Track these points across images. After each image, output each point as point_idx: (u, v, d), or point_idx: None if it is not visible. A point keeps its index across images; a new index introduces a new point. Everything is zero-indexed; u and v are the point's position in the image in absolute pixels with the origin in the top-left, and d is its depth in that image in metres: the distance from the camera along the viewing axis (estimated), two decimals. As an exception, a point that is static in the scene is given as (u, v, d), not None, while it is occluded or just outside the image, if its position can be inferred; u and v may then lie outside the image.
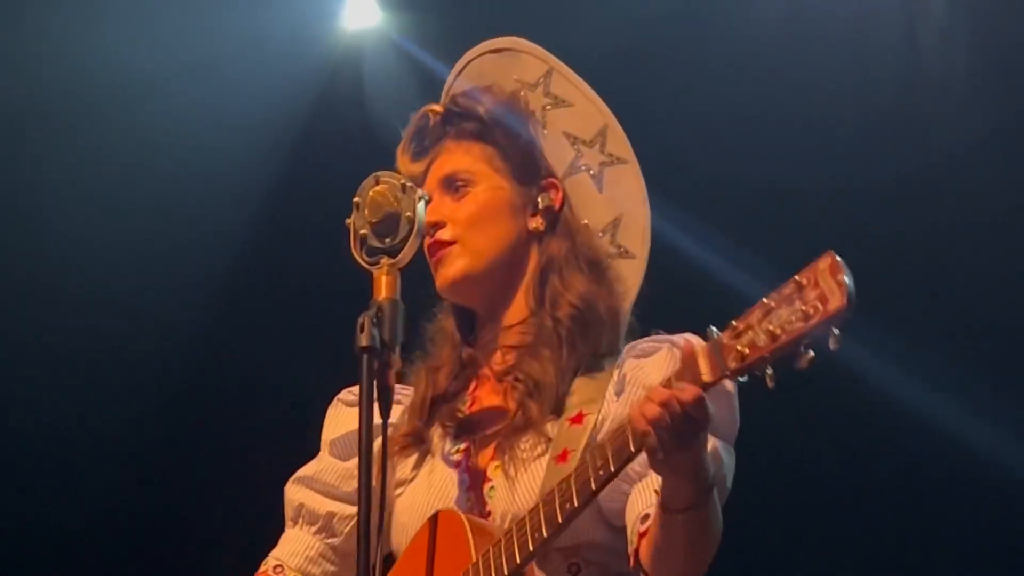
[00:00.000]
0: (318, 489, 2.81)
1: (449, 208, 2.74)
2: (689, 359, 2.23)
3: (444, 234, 2.72)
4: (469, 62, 2.90)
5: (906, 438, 5.00)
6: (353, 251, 2.47)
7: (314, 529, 2.81)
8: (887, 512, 5.10)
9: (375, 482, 2.29)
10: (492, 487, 2.62)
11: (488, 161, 2.76)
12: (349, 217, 2.49)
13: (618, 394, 2.59)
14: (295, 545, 2.83)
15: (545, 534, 2.40)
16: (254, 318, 5.64)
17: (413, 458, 2.72)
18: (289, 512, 2.86)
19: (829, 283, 2.06)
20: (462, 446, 2.68)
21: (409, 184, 2.48)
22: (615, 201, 2.77)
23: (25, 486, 5.62)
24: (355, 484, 2.57)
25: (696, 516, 2.32)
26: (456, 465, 2.67)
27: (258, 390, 5.67)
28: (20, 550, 5.70)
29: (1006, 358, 4.97)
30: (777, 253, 4.79)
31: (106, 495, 5.69)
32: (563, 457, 2.53)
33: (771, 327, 2.10)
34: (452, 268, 2.71)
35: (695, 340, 2.32)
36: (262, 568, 2.83)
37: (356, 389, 2.38)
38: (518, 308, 2.72)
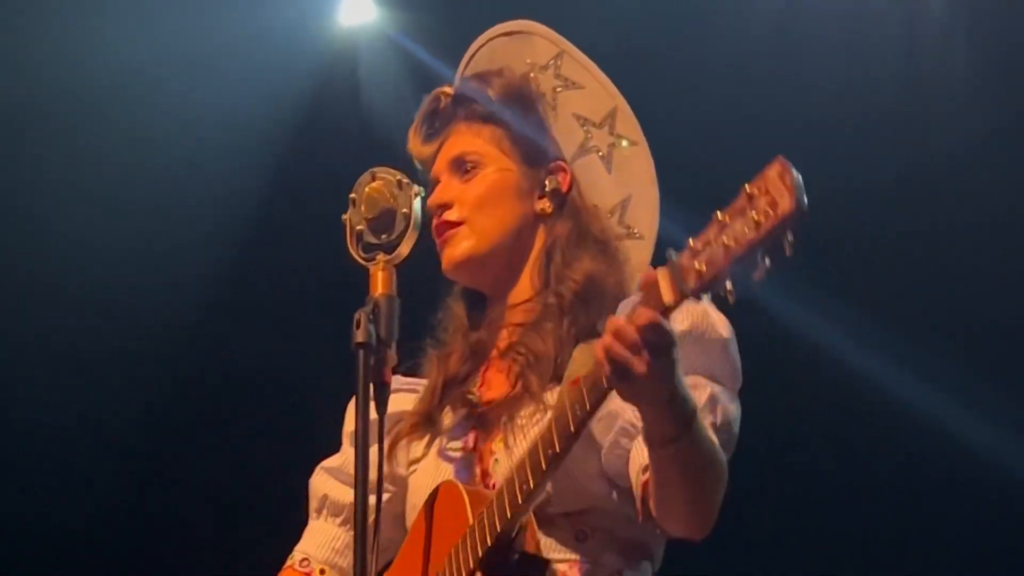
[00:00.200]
0: (342, 480, 2.82)
1: (457, 189, 2.75)
2: (651, 286, 2.21)
3: (451, 215, 2.74)
4: (481, 45, 2.91)
5: (905, 437, 5.00)
6: (349, 247, 2.47)
7: (339, 520, 2.82)
8: (887, 511, 5.09)
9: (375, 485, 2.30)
10: (496, 460, 2.63)
11: (497, 143, 2.77)
12: (345, 213, 2.49)
13: None
14: (321, 537, 2.84)
15: (532, 484, 2.39)
16: (251, 315, 5.64)
17: (425, 439, 2.73)
18: (313, 504, 2.87)
19: (778, 188, 2.02)
20: (468, 423, 2.69)
21: (405, 180, 2.48)
22: (624, 182, 2.78)
23: (23, 485, 5.61)
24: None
25: (683, 449, 2.30)
26: (462, 442, 2.68)
27: (256, 387, 5.67)
28: (18, 549, 5.70)
29: (1006, 357, 4.96)
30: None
31: (104, 493, 5.69)
32: None
33: (726, 240, 2.08)
34: (458, 249, 2.72)
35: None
36: (288, 563, 2.84)
37: None
38: (523, 288, 2.74)
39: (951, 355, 4.88)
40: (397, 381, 2.76)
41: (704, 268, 2.11)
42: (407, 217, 2.44)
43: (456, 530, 2.51)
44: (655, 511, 2.43)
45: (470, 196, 2.74)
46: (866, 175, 4.98)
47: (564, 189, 2.76)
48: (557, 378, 2.58)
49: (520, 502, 2.41)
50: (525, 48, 2.85)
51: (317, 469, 2.88)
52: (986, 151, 4.92)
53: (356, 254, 2.45)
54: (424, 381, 2.80)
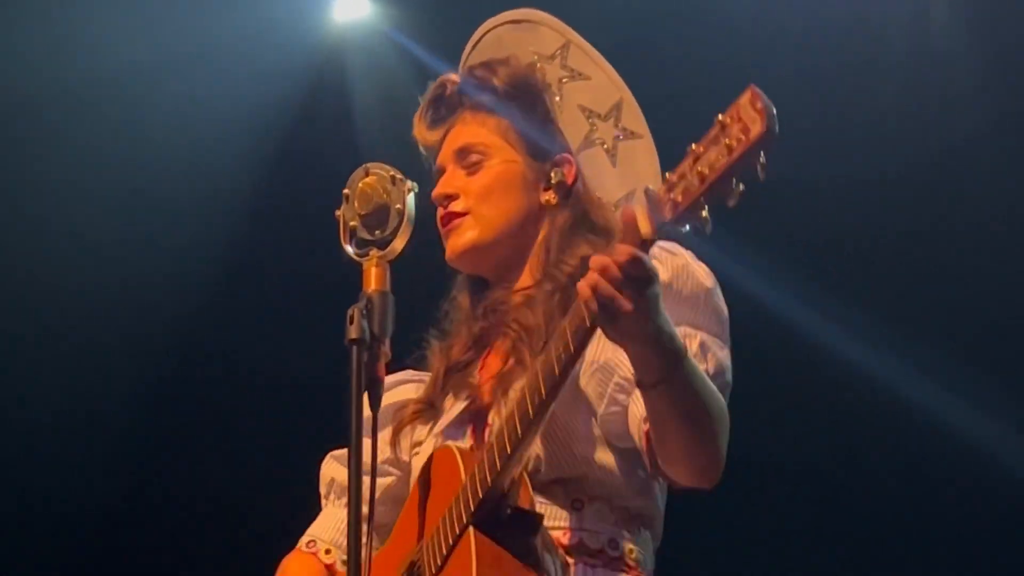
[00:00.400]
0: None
1: (463, 180, 2.77)
2: (629, 222, 2.23)
3: (456, 205, 2.75)
4: (486, 32, 2.91)
5: (906, 434, 5.00)
6: (343, 243, 2.47)
7: (344, 502, 2.83)
8: (887, 510, 5.08)
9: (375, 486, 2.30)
10: (492, 429, 2.63)
11: (503, 134, 2.77)
12: (339, 209, 2.48)
13: None
14: (328, 520, 2.87)
15: (520, 432, 2.40)
16: (243, 312, 5.65)
17: (428, 425, 2.76)
18: (322, 489, 2.91)
19: (750, 113, 2.05)
20: (466, 403, 2.71)
21: (399, 176, 2.47)
22: (628, 176, 2.77)
23: (19, 482, 5.62)
24: (386, 453, 2.73)
25: (676, 386, 2.31)
26: (460, 421, 2.69)
27: (249, 385, 5.68)
28: (15, 545, 5.70)
29: (1008, 353, 4.95)
30: (778, 246, 4.77)
31: (100, 488, 5.69)
32: None
33: (700, 168, 2.11)
34: (462, 239, 2.74)
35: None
36: (297, 545, 2.87)
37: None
38: (525, 278, 2.75)
39: (952, 351, 4.87)
40: (406, 374, 2.85)
41: (680, 198, 2.13)
42: (401, 213, 2.43)
43: (451, 491, 2.52)
44: (660, 459, 2.43)
45: (475, 187, 2.75)
46: (866, 173, 4.97)
47: (569, 181, 2.76)
48: None
49: (509, 452, 2.41)
50: (531, 38, 2.85)
51: (326, 457, 2.91)
52: (987, 147, 4.91)
53: (349, 250, 2.45)
54: (429, 375, 2.82)
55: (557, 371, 2.35)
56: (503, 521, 2.46)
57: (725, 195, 2.10)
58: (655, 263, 2.34)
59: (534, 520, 2.47)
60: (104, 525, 5.76)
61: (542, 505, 2.52)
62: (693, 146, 2.14)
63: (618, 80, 2.79)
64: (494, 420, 2.63)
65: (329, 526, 2.85)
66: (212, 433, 5.67)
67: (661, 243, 2.48)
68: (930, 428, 4.87)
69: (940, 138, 4.93)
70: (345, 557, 2.73)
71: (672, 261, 2.55)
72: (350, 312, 2.32)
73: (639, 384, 2.34)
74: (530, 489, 2.49)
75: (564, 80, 2.80)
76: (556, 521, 2.54)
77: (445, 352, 2.78)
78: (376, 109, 5.18)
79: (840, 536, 5.09)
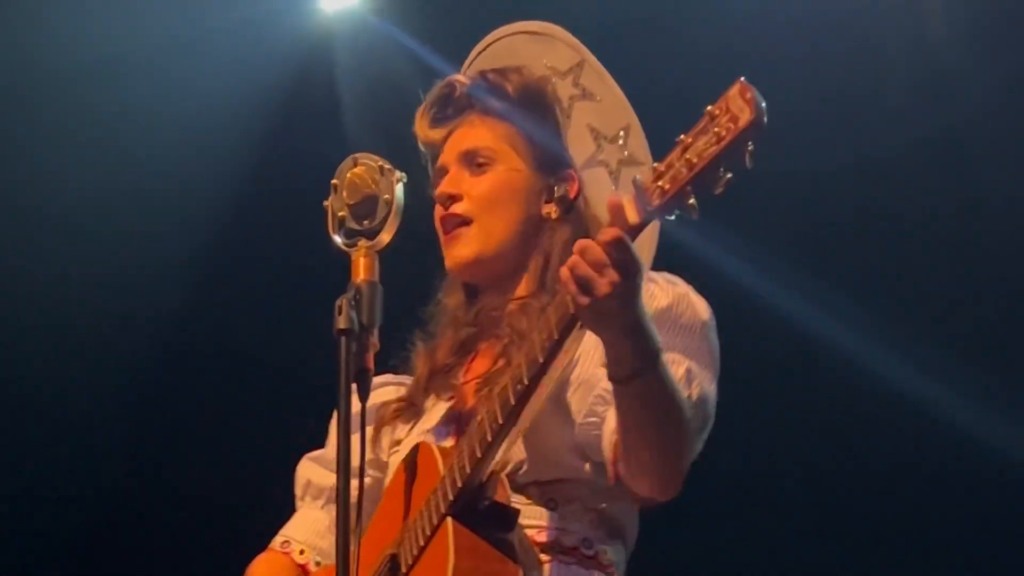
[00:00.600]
0: (324, 466, 2.87)
1: (467, 183, 2.77)
2: (616, 211, 2.24)
3: (459, 208, 2.75)
4: (499, 39, 2.91)
5: (903, 428, 4.99)
6: (331, 233, 2.46)
7: (320, 503, 2.86)
8: (888, 508, 5.07)
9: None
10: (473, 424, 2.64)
11: (510, 142, 2.78)
12: (327, 199, 2.48)
13: None
14: (303, 520, 2.88)
15: (501, 420, 2.41)
16: (231, 302, 5.64)
17: (408, 424, 2.77)
18: (298, 491, 2.92)
19: (739, 104, 2.10)
20: (448, 403, 2.72)
21: (388, 166, 2.47)
22: None
23: (16, 468, 5.60)
24: (367, 453, 2.65)
25: (647, 384, 2.32)
26: (444, 421, 2.71)
27: (237, 376, 5.66)
28: (12, 538, 5.69)
29: (1006, 346, 4.94)
30: (775, 239, 4.77)
31: (95, 475, 5.67)
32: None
33: (689, 157, 2.14)
34: (465, 250, 2.74)
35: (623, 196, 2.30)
36: (270, 545, 2.88)
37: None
38: (521, 289, 2.75)
39: (951, 345, 4.87)
40: (386, 377, 2.84)
41: (668, 185, 2.16)
42: (389, 203, 2.43)
43: (430, 485, 2.54)
44: (623, 468, 2.45)
45: (479, 192, 2.75)
46: (861, 163, 4.96)
47: (572, 196, 2.76)
48: None
49: (490, 439, 2.42)
50: (546, 51, 2.84)
51: (302, 460, 2.92)
52: (984, 136, 4.91)
53: (337, 240, 2.44)
54: (411, 378, 2.83)
55: (541, 359, 2.36)
56: (480, 513, 2.48)
57: (712, 183, 2.13)
58: (656, 289, 2.40)
59: (511, 515, 2.49)
60: (95, 518, 5.75)
61: (518, 503, 2.53)
62: (682, 136, 2.16)
63: (627, 105, 2.77)
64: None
65: (304, 527, 2.86)
66: (199, 425, 5.66)
67: (664, 274, 2.54)
68: (930, 422, 4.86)
69: (937, 128, 4.92)
70: (320, 558, 2.79)
71: (673, 290, 2.58)
72: (338, 303, 2.32)
73: (611, 378, 2.35)
74: (507, 488, 2.51)
75: (575, 98, 2.80)
76: (531, 519, 2.56)
77: (430, 354, 2.79)
78: (365, 99, 5.17)
79: (838, 533, 5.07)
